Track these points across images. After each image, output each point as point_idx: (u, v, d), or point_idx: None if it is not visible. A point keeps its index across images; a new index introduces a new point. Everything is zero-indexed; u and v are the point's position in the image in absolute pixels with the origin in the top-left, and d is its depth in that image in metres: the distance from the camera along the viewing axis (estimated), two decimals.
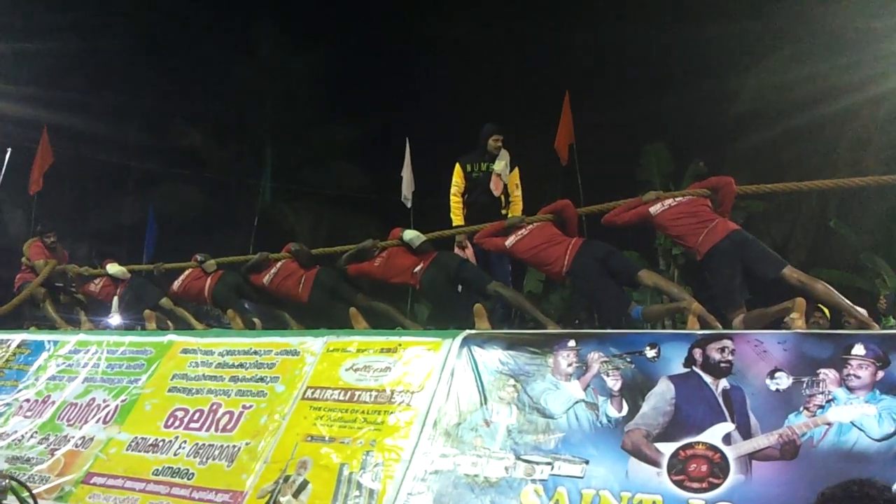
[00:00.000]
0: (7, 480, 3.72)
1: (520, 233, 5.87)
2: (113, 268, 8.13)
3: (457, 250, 6.60)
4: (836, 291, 4.72)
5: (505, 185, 6.90)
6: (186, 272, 7.62)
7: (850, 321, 4.58)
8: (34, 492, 4.55)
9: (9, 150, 11.55)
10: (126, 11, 20.75)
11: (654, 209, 5.45)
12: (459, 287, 6.05)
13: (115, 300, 7.89)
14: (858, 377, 3.50)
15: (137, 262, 10.53)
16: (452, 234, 6.75)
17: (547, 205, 6.24)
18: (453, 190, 6.99)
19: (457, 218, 6.97)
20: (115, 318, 8.02)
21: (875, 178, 6.98)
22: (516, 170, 6.97)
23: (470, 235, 6.53)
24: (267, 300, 7.19)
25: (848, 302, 4.66)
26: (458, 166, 6.97)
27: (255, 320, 7.11)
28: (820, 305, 5.94)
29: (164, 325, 7.41)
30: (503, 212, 6.88)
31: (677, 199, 5.47)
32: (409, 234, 6.28)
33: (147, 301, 7.62)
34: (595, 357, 4.20)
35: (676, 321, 6.99)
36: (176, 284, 7.60)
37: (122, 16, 20.64)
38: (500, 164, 6.81)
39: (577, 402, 4.05)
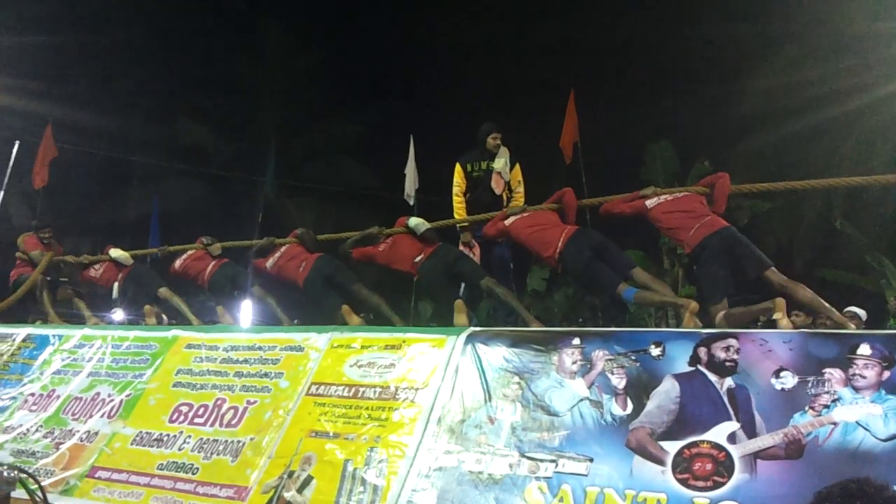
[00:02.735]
0: (16, 472, 3.72)
1: (521, 215, 6.08)
2: (116, 252, 8.04)
3: (463, 249, 6.62)
4: (817, 296, 4.76)
5: (507, 183, 6.90)
6: (189, 252, 7.65)
7: (827, 323, 4.64)
8: None
9: (17, 143, 11.49)
10: (131, 6, 20.79)
11: (650, 202, 5.64)
12: (462, 285, 6.10)
13: (116, 286, 7.83)
14: (864, 377, 3.49)
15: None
16: (457, 229, 6.80)
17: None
18: (455, 190, 6.99)
19: (460, 217, 6.98)
20: (114, 306, 7.95)
21: (878, 178, 6.94)
22: (518, 166, 6.98)
23: (476, 235, 6.56)
24: (264, 283, 7.18)
25: (827, 304, 4.72)
26: (458, 166, 6.97)
27: None
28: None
29: (163, 321, 7.40)
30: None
31: (674, 195, 5.64)
32: (414, 221, 6.42)
33: (148, 290, 7.58)
34: (600, 355, 4.20)
35: (668, 316, 7.00)
36: (177, 262, 7.62)
37: (126, 10, 20.67)
38: (500, 162, 6.82)
39: (581, 400, 4.05)
